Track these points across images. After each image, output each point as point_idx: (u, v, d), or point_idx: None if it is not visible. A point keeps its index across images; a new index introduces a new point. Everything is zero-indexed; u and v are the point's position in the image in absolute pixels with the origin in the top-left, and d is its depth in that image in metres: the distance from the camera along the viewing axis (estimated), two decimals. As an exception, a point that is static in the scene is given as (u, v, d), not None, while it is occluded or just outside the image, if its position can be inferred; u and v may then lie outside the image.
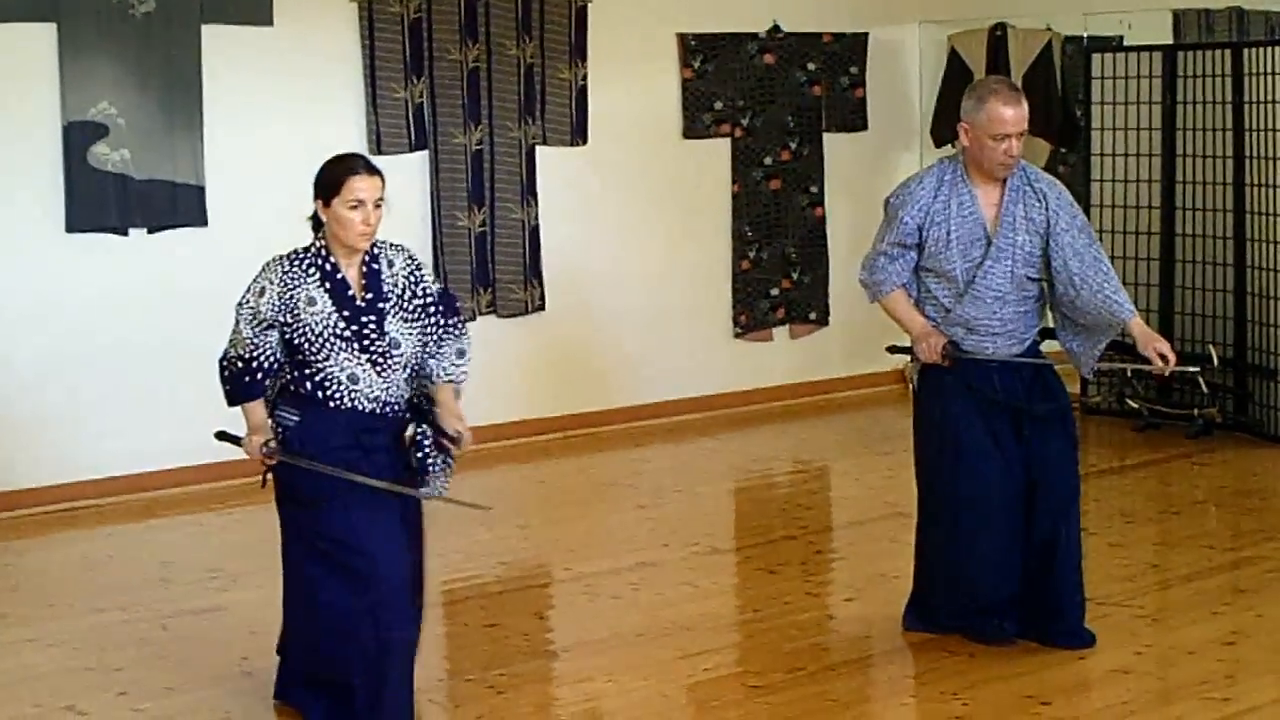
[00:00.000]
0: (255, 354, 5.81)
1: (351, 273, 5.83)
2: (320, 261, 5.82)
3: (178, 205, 9.48)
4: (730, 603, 7.49)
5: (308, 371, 5.81)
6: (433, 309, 5.91)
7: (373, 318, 5.78)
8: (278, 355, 5.84)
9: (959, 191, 6.62)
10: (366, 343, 5.77)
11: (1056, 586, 6.74)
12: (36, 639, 7.08)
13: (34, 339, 9.16)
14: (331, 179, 5.80)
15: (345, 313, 5.76)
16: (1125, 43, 11.92)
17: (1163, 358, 6.45)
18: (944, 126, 12.23)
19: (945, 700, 6.19)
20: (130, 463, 9.44)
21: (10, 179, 9.12)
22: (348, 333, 5.75)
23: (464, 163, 10.53)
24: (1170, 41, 11.81)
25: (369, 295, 5.80)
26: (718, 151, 11.60)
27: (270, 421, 5.88)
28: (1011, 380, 6.69)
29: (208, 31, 9.56)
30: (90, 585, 7.88)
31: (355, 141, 10.10)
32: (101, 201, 9.30)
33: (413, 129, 10.32)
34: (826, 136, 12.08)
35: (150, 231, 9.45)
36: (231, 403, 5.92)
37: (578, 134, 11.01)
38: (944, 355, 6.61)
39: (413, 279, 5.90)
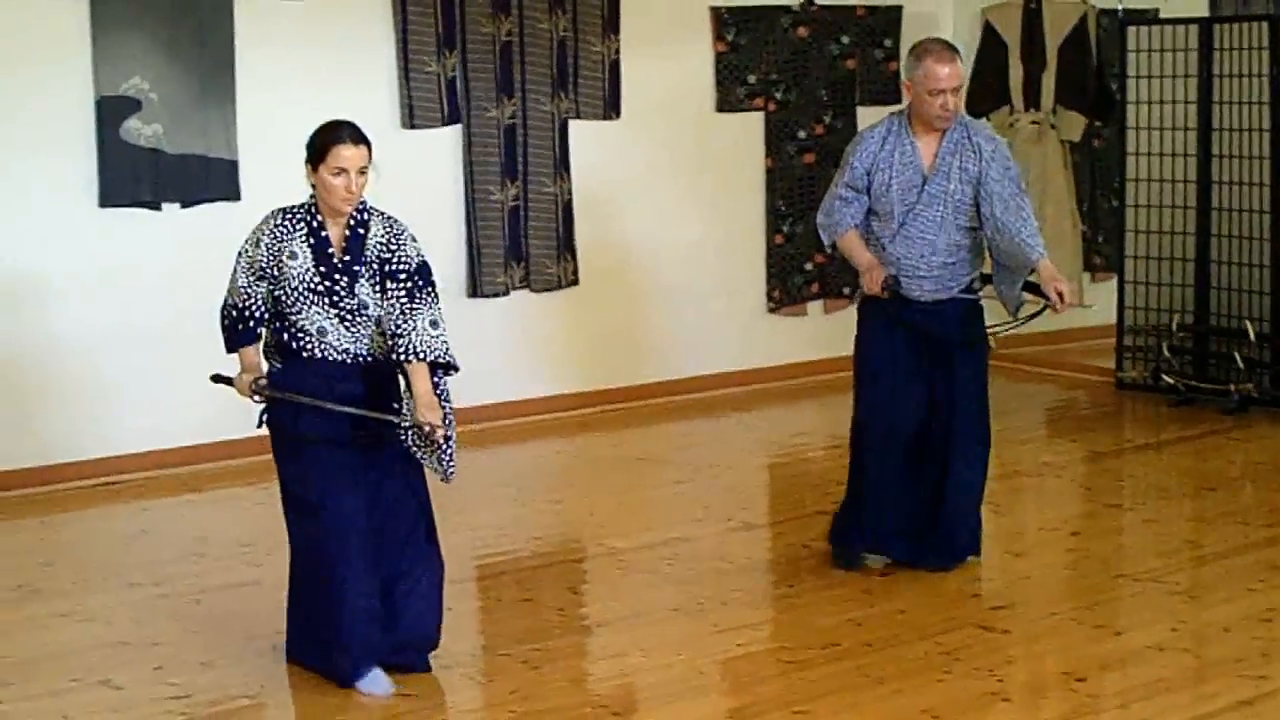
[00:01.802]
0: (248, 303, 6.18)
1: (335, 232, 6.13)
2: (309, 219, 6.14)
3: (210, 179, 9.49)
4: (764, 578, 7.47)
5: (285, 323, 6.15)
6: (403, 277, 6.12)
7: (346, 278, 6.09)
8: (268, 305, 6.19)
9: (903, 142, 7.19)
10: (336, 298, 6.08)
11: (949, 511, 7.35)
12: (71, 613, 7.10)
13: (68, 314, 9.18)
14: (319, 146, 6.11)
15: (322, 268, 6.08)
16: (1161, 15, 11.86)
17: (1063, 297, 6.98)
18: (978, 100, 12.18)
19: (980, 676, 6.17)
20: (164, 437, 9.47)
21: (44, 154, 9.13)
22: (320, 287, 6.07)
23: (497, 136, 10.51)
24: (1206, 14, 11.74)
25: (347, 256, 6.10)
26: (751, 125, 11.58)
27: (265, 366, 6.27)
28: (937, 320, 7.26)
29: (240, 5, 9.55)
30: (126, 560, 7.90)
31: (388, 115, 10.11)
32: (134, 176, 9.31)
33: (445, 103, 10.31)
34: (860, 110, 12.02)
35: (183, 206, 9.46)
36: (229, 349, 6.31)
37: (611, 108, 10.99)
38: (884, 287, 7.16)
39: (392, 246, 6.15)
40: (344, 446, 6.13)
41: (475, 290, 10.52)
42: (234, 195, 9.50)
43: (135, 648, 6.65)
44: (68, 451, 9.19)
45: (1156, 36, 11.06)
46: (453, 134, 10.39)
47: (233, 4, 9.53)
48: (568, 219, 10.83)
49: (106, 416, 9.32)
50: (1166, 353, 10.96)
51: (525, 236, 10.67)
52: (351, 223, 6.12)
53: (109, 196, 9.28)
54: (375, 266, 6.11)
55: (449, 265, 10.46)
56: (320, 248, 6.10)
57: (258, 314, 6.18)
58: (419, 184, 10.28)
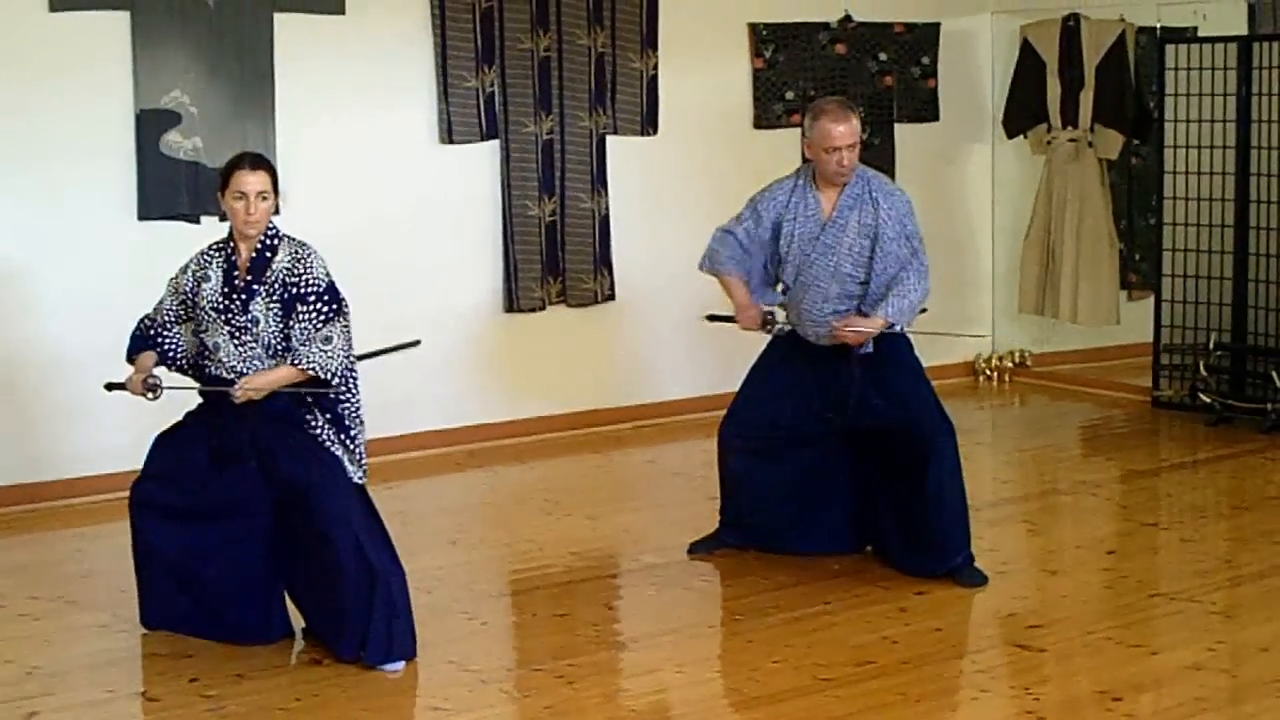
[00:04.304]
0: (167, 319, 6.83)
1: (244, 256, 6.67)
2: (227, 247, 6.73)
3: (249, 193, 9.53)
4: (800, 595, 7.44)
5: (199, 345, 6.76)
6: (313, 298, 6.58)
7: (243, 296, 6.59)
8: (182, 329, 6.82)
9: (806, 195, 7.63)
10: (230, 315, 6.61)
11: (932, 511, 7.48)
12: (108, 625, 7.12)
13: (106, 326, 9.18)
14: (223, 173, 6.72)
15: (225, 288, 6.62)
16: (1199, 33, 11.83)
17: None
18: (1016, 118, 12.17)
19: (1017, 695, 6.16)
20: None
21: (83, 167, 9.18)
22: (220, 305, 6.62)
23: (534, 152, 10.53)
24: (1245, 32, 11.71)
25: (249, 277, 6.62)
26: (789, 142, 11.53)
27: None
28: (830, 360, 7.64)
29: (280, 20, 9.59)
30: (161, 572, 7.91)
31: (426, 130, 10.15)
32: (174, 189, 9.36)
33: (483, 118, 10.33)
34: (898, 127, 12.04)
35: (222, 219, 9.41)
36: (130, 354, 6.89)
37: (648, 124, 11.00)
38: (763, 324, 7.74)
39: (296, 270, 6.60)
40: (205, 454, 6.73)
41: (512, 305, 10.54)
42: (273, 209, 9.52)
43: (171, 659, 6.67)
44: (101, 463, 9.20)
45: (1195, 54, 11.04)
46: (491, 149, 10.41)
47: (273, 19, 9.56)
48: (605, 234, 10.84)
49: (141, 428, 9.32)
50: (1203, 371, 10.92)
51: (562, 252, 10.68)
52: (259, 246, 6.64)
53: (148, 209, 9.32)
54: (278, 289, 6.57)
55: (486, 280, 10.51)
56: (228, 271, 6.66)
57: (169, 328, 6.83)
58: (457, 199, 10.33)
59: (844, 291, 7.53)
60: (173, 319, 6.82)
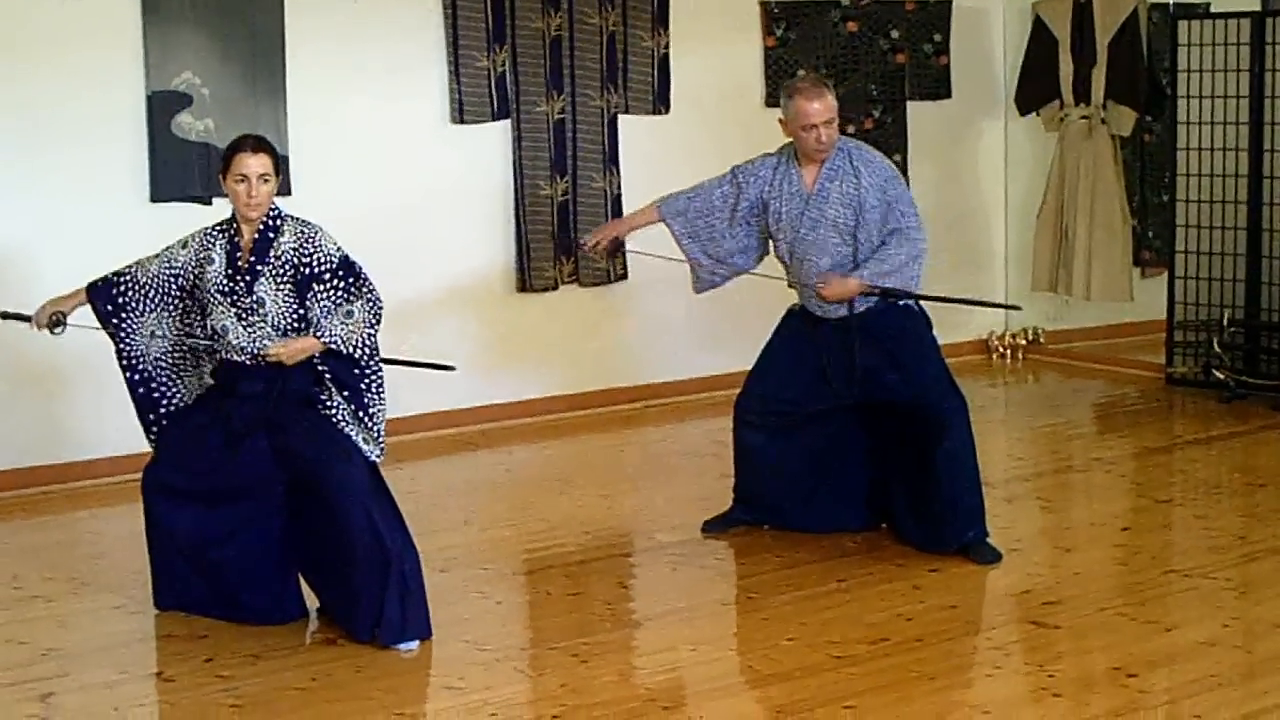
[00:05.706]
0: (140, 279, 6.77)
1: (247, 238, 6.66)
2: (230, 229, 6.71)
3: (262, 174, 9.53)
4: (814, 573, 7.44)
5: (206, 329, 6.73)
6: (328, 276, 6.58)
7: (247, 278, 6.59)
8: (151, 300, 6.74)
9: (789, 172, 7.65)
10: (236, 298, 6.59)
11: (943, 485, 7.49)
12: (122, 606, 7.13)
13: (119, 308, 9.21)
14: (224, 156, 6.69)
15: (229, 270, 6.63)
16: (1212, 9, 11.80)
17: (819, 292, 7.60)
18: (1028, 95, 12.15)
19: (1031, 671, 6.16)
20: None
21: (95, 149, 9.18)
22: (225, 288, 6.61)
23: (546, 131, 10.52)
24: (1258, 8, 11.67)
25: (252, 258, 6.60)
26: (800, 120, 11.56)
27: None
28: (840, 335, 7.64)
29: (290, 1, 9.58)
30: (175, 553, 7.92)
31: (438, 110, 10.14)
32: (185, 171, 9.36)
33: (495, 98, 10.32)
34: (910, 105, 12.02)
35: (233, 201, 9.50)
36: (92, 284, 6.82)
37: (660, 103, 11.00)
38: (613, 250, 8.49)
39: (305, 249, 6.59)
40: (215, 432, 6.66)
41: (524, 285, 10.54)
42: (284, 190, 9.49)
43: (186, 640, 6.68)
44: (114, 445, 9.20)
45: (1208, 30, 11.01)
46: (502, 129, 10.40)
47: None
48: (617, 214, 10.80)
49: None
50: (1217, 348, 10.91)
51: (574, 231, 10.67)
52: (262, 228, 6.63)
53: (160, 191, 9.32)
54: (287, 270, 6.56)
55: (498, 260, 10.50)
56: (231, 253, 6.65)
57: (139, 289, 6.74)
58: (468, 179, 10.32)
59: (836, 262, 7.56)
60: (150, 285, 6.75)
